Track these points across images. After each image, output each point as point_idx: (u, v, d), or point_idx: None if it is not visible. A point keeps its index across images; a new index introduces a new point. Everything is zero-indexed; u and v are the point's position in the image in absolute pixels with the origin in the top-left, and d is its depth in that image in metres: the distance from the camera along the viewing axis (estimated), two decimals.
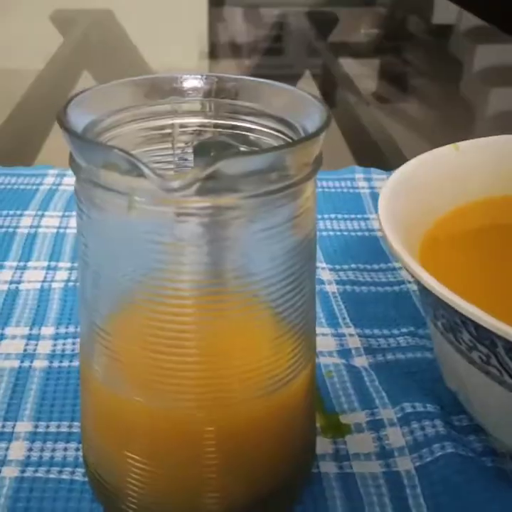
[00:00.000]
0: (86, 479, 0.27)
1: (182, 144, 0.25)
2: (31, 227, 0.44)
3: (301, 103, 0.22)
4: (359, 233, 0.45)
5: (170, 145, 0.25)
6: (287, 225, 0.22)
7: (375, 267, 0.41)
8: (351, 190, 0.49)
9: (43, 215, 0.45)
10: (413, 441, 0.28)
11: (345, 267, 0.41)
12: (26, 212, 0.45)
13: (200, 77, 0.25)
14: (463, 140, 0.33)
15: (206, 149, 0.25)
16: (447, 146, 0.33)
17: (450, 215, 0.31)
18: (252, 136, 0.24)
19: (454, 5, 1.15)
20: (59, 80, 0.80)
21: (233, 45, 1.05)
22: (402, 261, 0.25)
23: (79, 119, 0.22)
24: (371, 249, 0.43)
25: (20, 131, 0.67)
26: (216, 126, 0.25)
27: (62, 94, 0.76)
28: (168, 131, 0.25)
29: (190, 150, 0.26)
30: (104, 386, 0.24)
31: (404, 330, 0.36)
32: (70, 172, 0.50)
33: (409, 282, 0.40)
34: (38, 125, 0.69)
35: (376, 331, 0.36)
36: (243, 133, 0.24)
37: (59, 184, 0.49)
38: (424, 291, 0.25)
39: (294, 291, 0.23)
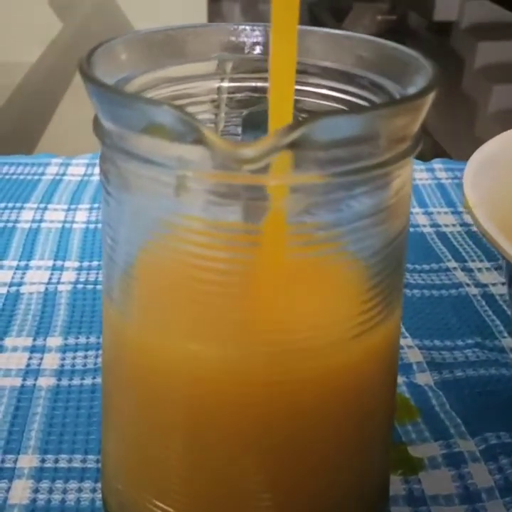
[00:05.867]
0: None
1: (228, 114, 0.20)
2: (33, 221, 0.39)
3: (395, 59, 0.17)
4: None
5: (213, 115, 0.20)
6: (377, 218, 0.16)
7: (426, 267, 0.36)
8: None
9: (45, 208, 0.40)
10: (504, 481, 0.23)
11: None
12: (27, 205, 0.40)
13: (255, 28, 0.20)
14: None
15: (259, 121, 0.20)
16: None
17: None
18: (322, 103, 0.19)
19: (455, 2, 1.12)
20: (59, 66, 0.75)
21: None
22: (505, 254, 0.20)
23: (102, 76, 0.17)
24: (418, 248, 0.38)
25: (19, 118, 0.62)
26: None
27: (62, 80, 0.71)
28: (213, 96, 0.20)
29: (238, 121, 0.20)
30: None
31: (470, 341, 0.31)
32: (75, 161, 0.46)
33: (468, 285, 0.35)
34: (38, 112, 0.64)
35: (437, 342, 0.31)
36: (311, 100, 0.19)
37: (63, 174, 0.44)
38: None
39: (377, 308, 0.17)
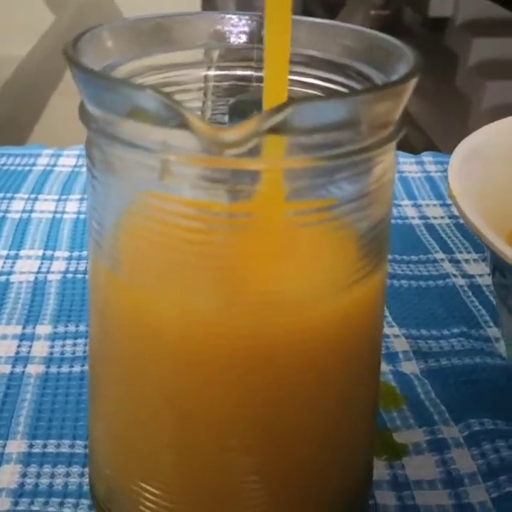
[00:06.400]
0: None
1: (215, 102, 0.21)
2: (23, 211, 0.39)
3: (379, 48, 0.18)
4: (392, 221, 0.40)
5: (200, 103, 0.21)
6: (358, 203, 0.17)
7: (414, 258, 0.37)
8: None
9: (36, 199, 0.40)
10: (486, 466, 0.24)
11: None
12: (18, 196, 0.41)
13: (241, 17, 0.20)
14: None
15: (245, 109, 0.20)
16: None
17: None
18: (308, 92, 0.19)
19: None
20: (51, 58, 0.75)
21: None
22: (492, 246, 0.20)
23: (89, 62, 0.17)
24: (406, 239, 0.38)
25: (12, 110, 0.62)
26: (260, 80, 0.20)
27: (54, 73, 0.71)
28: (200, 84, 0.20)
29: (225, 110, 0.21)
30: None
31: (455, 330, 0.31)
32: (66, 152, 0.46)
33: (455, 276, 0.35)
34: (30, 105, 0.64)
35: (424, 332, 0.31)
36: (297, 89, 0.19)
37: (54, 165, 0.44)
38: None
39: (360, 291, 0.18)
